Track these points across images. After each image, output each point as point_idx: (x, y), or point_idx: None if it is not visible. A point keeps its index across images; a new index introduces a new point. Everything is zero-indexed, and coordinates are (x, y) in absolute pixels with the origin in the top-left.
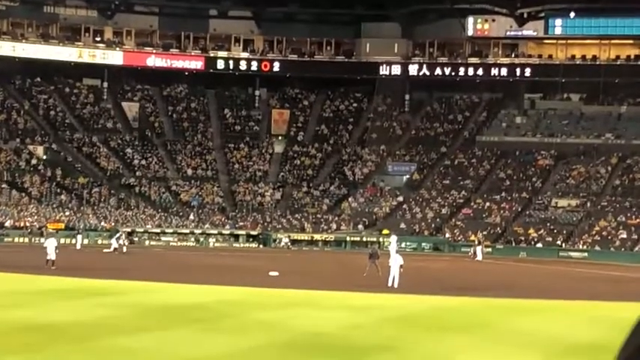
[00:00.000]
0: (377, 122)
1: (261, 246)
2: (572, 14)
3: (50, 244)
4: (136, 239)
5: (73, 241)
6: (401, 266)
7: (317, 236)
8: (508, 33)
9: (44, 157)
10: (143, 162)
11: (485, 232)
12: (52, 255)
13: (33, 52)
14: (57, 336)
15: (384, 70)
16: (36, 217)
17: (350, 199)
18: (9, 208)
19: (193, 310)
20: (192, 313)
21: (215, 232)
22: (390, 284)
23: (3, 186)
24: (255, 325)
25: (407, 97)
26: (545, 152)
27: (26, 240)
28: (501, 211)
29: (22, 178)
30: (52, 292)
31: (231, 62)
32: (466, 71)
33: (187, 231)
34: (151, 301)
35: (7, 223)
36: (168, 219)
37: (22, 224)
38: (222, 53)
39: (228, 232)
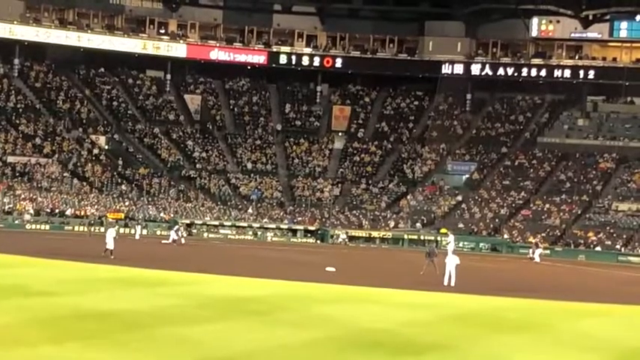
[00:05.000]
0: (437, 121)
1: (318, 242)
2: (638, 17)
3: (109, 234)
4: (194, 231)
5: (132, 231)
6: (457, 266)
7: (375, 233)
8: (572, 35)
9: (106, 147)
10: (203, 154)
11: (544, 234)
12: (110, 244)
13: (98, 42)
14: (115, 324)
15: (446, 69)
16: (96, 206)
17: (409, 197)
18: (70, 196)
19: (251, 302)
20: (249, 305)
21: (273, 226)
22: (445, 283)
23: (65, 175)
24: (312, 320)
25: (468, 96)
26: (606, 155)
27: (86, 229)
28: (561, 214)
29: (83, 167)
30: (111, 280)
31: (293, 57)
32: (529, 72)
33: (245, 224)
34: (208, 293)
35: (68, 212)
36: (227, 212)
37: (82, 213)
38: (285, 48)
39: (286, 226)
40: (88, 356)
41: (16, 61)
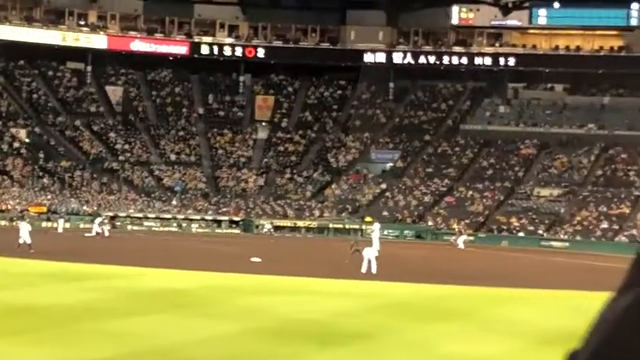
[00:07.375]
0: (361, 110)
1: (243, 232)
2: (556, 4)
3: (23, 228)
4: (118, 224)
5: (55, 225)
6: (376, 256)
7: (300, 223)
8: (492, 22)
9: (27, 141)
10: (126, 146)
11: (467, 221)
12: (26, 238)
13: (16, 34)
14: (42, 319)
15: (368, 58)
16: (18, 200)
17: (333, 185)
18: None
19: (178, 295)
20: (176, 298)
21: (198, 217)
22: (363, 271)
23: None
24: (239, 311)
25: (391, 85)
26: (528, 142)
27: (7, 223)
28: (484, 200)
29: (4, 161)
30: (35, 275)
31: (215, 48)
32: (450, 60)
33: (170, 216)
34: (135, 286)
35: None
36: (151, 204)
37: (3, 207)
38: (207, 39)
39: (210, 217)
40: (16, 353)
41: None
